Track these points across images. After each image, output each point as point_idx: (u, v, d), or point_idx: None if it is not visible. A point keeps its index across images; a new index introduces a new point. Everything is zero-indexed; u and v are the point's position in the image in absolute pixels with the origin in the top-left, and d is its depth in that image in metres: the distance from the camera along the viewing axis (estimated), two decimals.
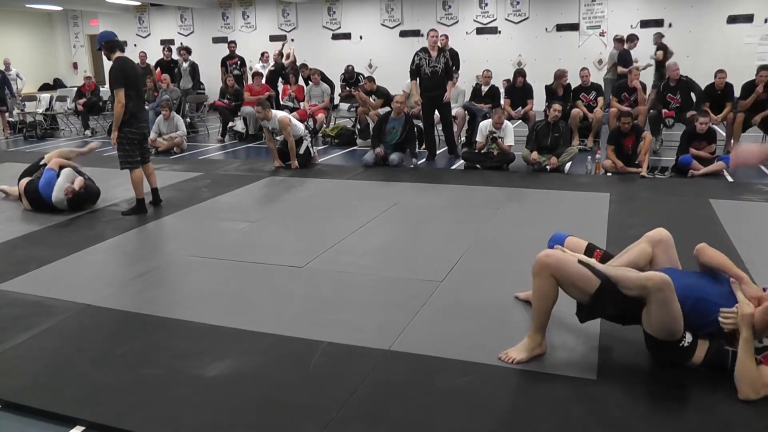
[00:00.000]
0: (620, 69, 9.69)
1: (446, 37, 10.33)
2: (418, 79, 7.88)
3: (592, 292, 2.63)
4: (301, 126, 7.84)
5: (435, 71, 7.71)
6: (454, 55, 9.41)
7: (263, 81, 10.59)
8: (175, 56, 12.01)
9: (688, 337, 2.61)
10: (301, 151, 7.58)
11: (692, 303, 2.60)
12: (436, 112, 8.07)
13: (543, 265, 2.69)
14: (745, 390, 2.46)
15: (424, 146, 8.29)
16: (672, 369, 2.68)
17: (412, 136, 7.71)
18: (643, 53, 10.82)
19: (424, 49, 7.83)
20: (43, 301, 3.63)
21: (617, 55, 10.03)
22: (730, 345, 2.57)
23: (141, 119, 5.55)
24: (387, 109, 9.16)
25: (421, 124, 8.28)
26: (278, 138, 7.72)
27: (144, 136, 5.70)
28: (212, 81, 13.21)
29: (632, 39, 10.06)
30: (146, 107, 9.80)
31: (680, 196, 5.81)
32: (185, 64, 11.66)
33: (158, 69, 11.77)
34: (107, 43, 5.42)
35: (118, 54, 5.38)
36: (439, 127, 8.40)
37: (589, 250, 3.07)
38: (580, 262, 2.70)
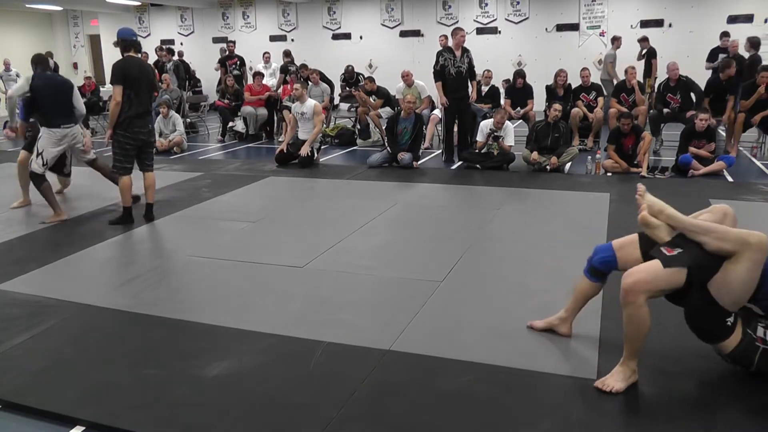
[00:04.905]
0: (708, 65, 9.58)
1: (446, 37, 10.31)
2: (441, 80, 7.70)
3: (680, 287, 2.49)
4: None
5: (460, 72, 7.59)
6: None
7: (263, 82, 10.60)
8: (175, 57, 12.09)
9: (733, 318, 2.51)
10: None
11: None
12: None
13: (637, 293, 2.45)
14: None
15: (426, 146, 8.27)
16: (672, 369, 2.68)
17: (421, 135, 7.72)
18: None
19: (448, 49, 7.70)
20: (43, 301, 3.63)
21: (710, 52, 9.77)
22: (764, 342, 2.49)
23: (139, 125, 5.17)
24: (387, 109, 9.19)
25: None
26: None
27: (144, 143, 5.30)
28: (212, 81, 13.21)
29: (727, 35, 9.82)
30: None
31: (680, 196, 5.78)
32: (169, 64, 11.71)
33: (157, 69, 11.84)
34: (122, 41, 5.22)
35: (130, 54, 5.17)
36: (439, 128, 8.39)
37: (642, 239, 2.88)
38: (662, 256, 2.52)
